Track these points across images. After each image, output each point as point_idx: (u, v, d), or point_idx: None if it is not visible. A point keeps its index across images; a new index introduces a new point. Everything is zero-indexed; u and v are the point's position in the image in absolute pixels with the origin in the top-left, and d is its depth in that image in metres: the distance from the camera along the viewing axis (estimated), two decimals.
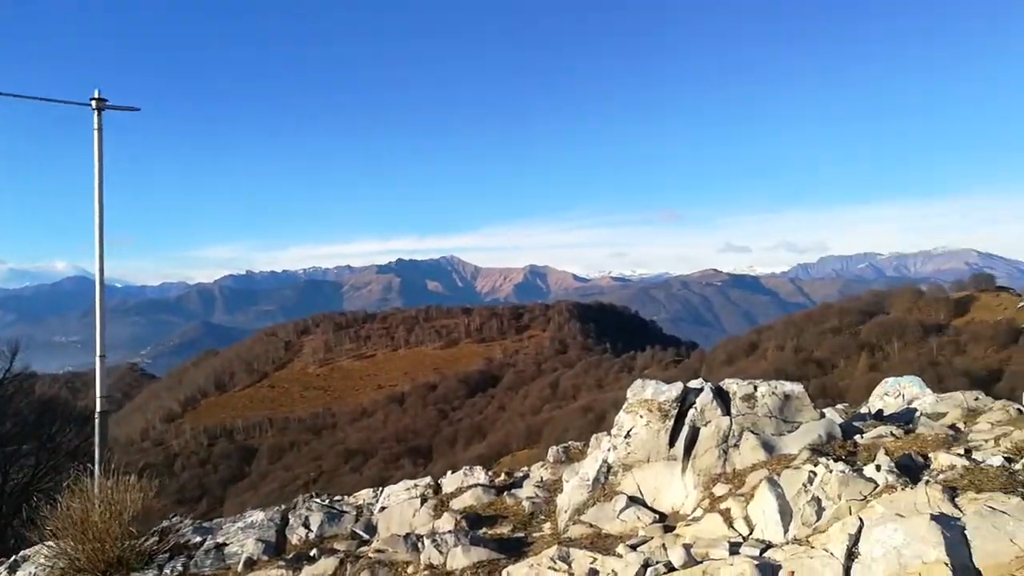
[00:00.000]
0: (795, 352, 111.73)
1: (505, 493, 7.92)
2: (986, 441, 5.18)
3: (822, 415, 6.76)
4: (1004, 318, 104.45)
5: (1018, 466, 4.21)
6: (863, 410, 8.02)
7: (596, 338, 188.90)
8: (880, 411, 7.62)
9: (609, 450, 6.98)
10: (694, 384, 7.01)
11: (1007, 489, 4.51)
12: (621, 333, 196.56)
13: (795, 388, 6.75)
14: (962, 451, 5.03)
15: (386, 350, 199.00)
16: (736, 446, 6.34)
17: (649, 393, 6.99)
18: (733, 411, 6.65)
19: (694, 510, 6.06)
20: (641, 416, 6.79)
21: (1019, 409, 5.67)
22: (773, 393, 6.66)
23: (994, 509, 4.32)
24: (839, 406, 8.71)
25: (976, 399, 6.50)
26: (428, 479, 8.67)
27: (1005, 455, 4.52)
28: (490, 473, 9.02)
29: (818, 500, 5.30)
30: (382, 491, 8.53)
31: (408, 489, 8.29)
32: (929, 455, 5.45)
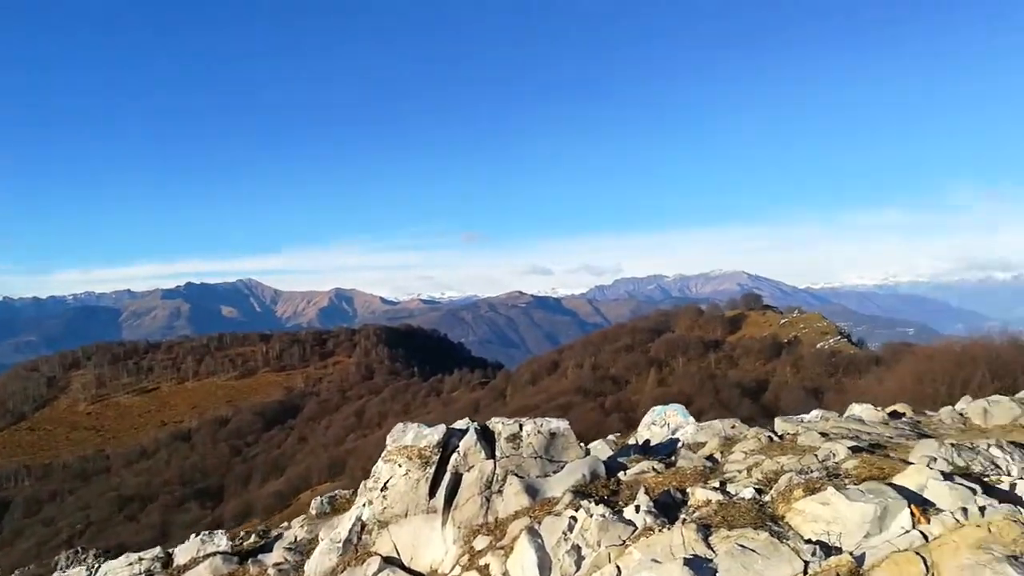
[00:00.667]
0: (593, 370, 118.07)
1: (250, 560, 6.87)
2: (739, 472, 5.14)
3: (587, 452, 6.54)
4: (770, 334, 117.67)
5: (767, 497, 4.15)
6: (632, 440, 7.98)
7: (404, 362, 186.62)
8: (647, 441, 7.60)
9: (364, 505, 6.26)
10: (459, 425, 6.51)
11: (756, 524, 4.44)
12: (430, 356, 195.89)
13: (560, 425, 6.49)
14: (717, 484, 4.92)
15: (171, 383, 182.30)
16: (500, 492, 5.91)
17: (410, 438, 6.39)
18: (498, 453, 6.23)
19: (453, 568, 5.52)
20: (400, 465, 6.16)
21: (770, 436, 5.76)
22: (539, 432, 6.34)
23: (744, 547, 4.20)
24: (611, 436, 8.67)
25: (733, 427, 6.58)
26: (157, 549, 7.36)
27: (756, 486, 4.45)
28: (241, 533, 7.91)
29: (578, 548, 4.98)
30: (98, 568, 7.11)
31: (131, 564, 6.95)
32: (688, 490, 5.35)
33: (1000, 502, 3.34)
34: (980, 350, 32.08)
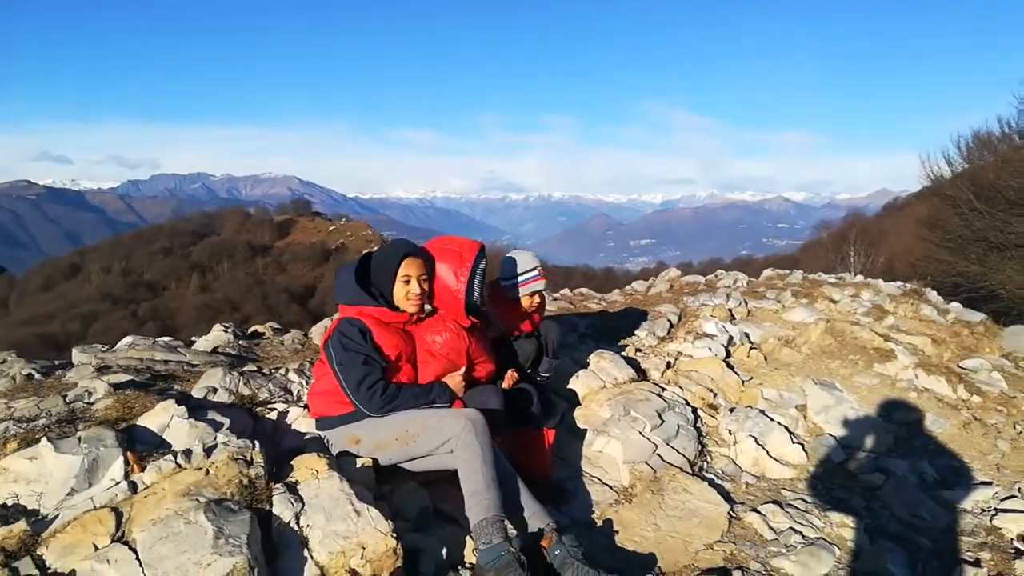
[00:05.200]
0: (123, 275, 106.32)
1: None
2: None
3: None
4: (318, 240, 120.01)
5: None
6: None
7: None
8: None
9: None
10: None
11: None
12: None
13: None
14: None
15: None
16: None
17: None
18: None
19: None
20: None
21: (31, 373, 4.32)
22: None
23: None
24: None
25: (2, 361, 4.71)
26: None
27: None
28: None
29: None
30: None
31: None
32: None
33: (241, 438, 3.19)
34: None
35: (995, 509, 4.38)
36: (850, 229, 42.13)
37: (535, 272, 4.49)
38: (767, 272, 10.00)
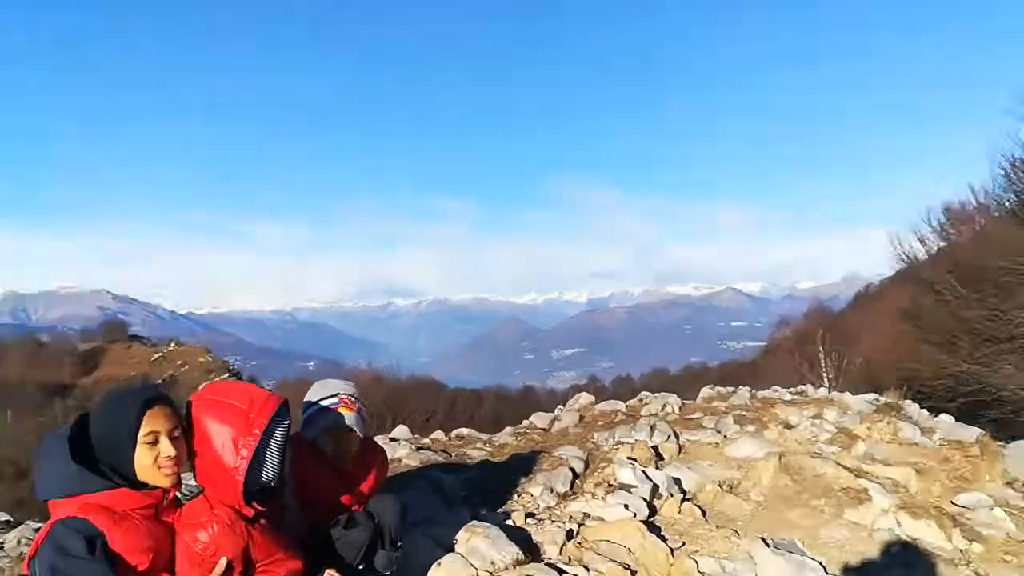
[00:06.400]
0: None
1: None
2: None
3: None
4: (138, 374, 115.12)
5: None
6: None
7: None
8: None
9: None
10: None
11: None
12: None
13: None
14: None
15: None
16: None
17: None
18: None
19: None
20: None
21: None
22: None
23: None
24: None
25: None
26: None
27: None
28: None
29: None
30: None
31: None
32: None
33: None
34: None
35: None
36: (815, 328, 43.72)
37: (333, 399, 3.96)
38: (706, 391, 9.96)
